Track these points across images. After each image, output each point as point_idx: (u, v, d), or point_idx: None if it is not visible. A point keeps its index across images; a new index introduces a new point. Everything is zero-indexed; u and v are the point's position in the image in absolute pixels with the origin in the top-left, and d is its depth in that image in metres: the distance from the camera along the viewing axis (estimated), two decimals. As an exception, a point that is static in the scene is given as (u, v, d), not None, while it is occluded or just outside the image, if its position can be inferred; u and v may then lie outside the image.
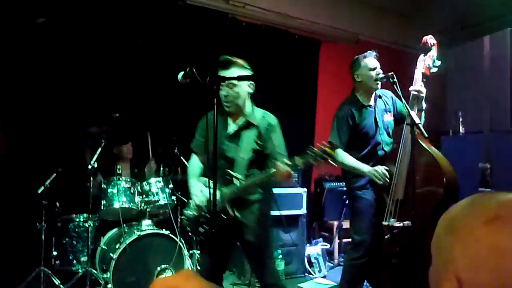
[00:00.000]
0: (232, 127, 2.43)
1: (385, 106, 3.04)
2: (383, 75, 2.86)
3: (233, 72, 2.28)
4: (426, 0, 5.52)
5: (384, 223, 2.64)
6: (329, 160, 2.04)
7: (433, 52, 2.75)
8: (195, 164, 2.53)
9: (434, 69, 2.75)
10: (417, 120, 2.48)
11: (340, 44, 5.45)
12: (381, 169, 2.76)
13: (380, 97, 3.06)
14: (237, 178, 2.28)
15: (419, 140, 2.58)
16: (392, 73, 2.76)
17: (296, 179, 4.20)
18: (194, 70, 1.91)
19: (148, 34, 4.32)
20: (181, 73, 2.01)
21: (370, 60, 2.95)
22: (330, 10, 5.33)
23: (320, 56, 5.31)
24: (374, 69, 2.92)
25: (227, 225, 2.28)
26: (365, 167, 2.85)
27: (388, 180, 2.74)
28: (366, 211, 2.90)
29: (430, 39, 2.77)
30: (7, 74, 3.82)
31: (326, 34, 5.31)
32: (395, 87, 2.69)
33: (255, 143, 2.35)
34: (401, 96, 2.69)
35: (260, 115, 2.43)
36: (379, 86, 2.94)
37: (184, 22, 4.32)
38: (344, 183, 3.18)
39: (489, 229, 0.59)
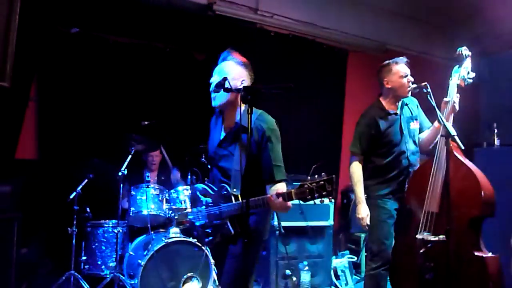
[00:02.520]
0: (222, 133, 2.19)
1: (411, 114, 2.96)
2: (416, 85, 2.80)
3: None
4: (456, 9, 5.40)
5: (418, 236, 2.54)
6: (328, 198, 1.81)
7: (468, 64, 2.69)
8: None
9: (469, 81, 2.69)
10: (453, 131, 2.42)
11: (368, 54, 5.40)
12: (365, 220, 2.81)
13: (406, 104, 2.98)
14: (234, 196, 2.01)
15: (455, 153, 2.51)
16: (426, 83, 2.70)
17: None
18: (227, 79, 1.92)
19: (177, 43, 4.40)
20: (214, 83, 2.03)
21: (402, 67, 2.87)
22: (357, 19, 5.29)
23: (348, 65, 5.27)
24: (406, 76, 2.84)
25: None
26: (361, 201, 2.85)
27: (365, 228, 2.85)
28: (385, 221, 2.83)
29: (464, 51, 2.71)
30: (43, 83, 3.96)
31: (353, 43, 5.27)
32: (429, 98, 2.64)
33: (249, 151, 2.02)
34: (435, 107, 2.63)
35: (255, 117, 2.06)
36: (409, 94, 2.87)
37: (213, 32, 4.38)
38: (365, 188, 3.00)
39: None
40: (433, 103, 2.64)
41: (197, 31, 4.37)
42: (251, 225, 2.00)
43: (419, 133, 2.96)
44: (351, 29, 5.20)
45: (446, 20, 5.56)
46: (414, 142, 2.93)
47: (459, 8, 5.18)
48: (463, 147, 2.41)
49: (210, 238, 2.13)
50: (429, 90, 2.66)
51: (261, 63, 4.53)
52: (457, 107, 2.64)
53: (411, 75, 2.89)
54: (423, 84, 2.71)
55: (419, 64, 4.88)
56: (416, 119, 2.96)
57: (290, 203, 1.90)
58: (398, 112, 2.92)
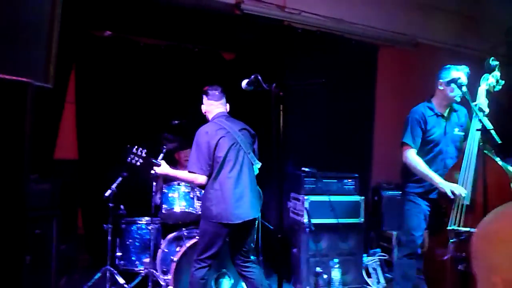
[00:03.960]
0: None
1: (458, 120, 3.03)
2: (449, 80, 2.77)
3: None
4: (490, 0, 5.21)
5: (449, 227, 2.64)
6: None
7: (496, 73, 2.78)
8: None
9: (499, 87, 2.79)
10: (489, 125, 2.36)
11: (398, 48, 5.29)
12: (459, 190, 2.67)
13: (455, 110, 3.04)
14: None
15: (485, 148, 2.61)
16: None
17: (353, 186, 4.10)
18: (259, 77, 1.94)
19: (206, 43, 4.47)
20: (245, 80, 2.05)
21: (459, 74, 2.85)
22: (386, 13, 5.18)
23: (378, 60, 5.18)
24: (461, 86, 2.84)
25: None
26: (439, 180, 2.79)
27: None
28: (415, 215, 2.96)
29: (492, 61, 2.80)
30: (80, 86, 4.12)
31: (383, 38, 5.16)
32: (465, 95, 2.70)
33: None
34: (470, 101, 2.61)
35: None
36: (458, 99, 2.92)
37: (241, 31, 4.41)
38: (401, 184, 3.21)
39: None
40: (469, 98, 2.63)
41: (225, 30, 4.41)
42: None
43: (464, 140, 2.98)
44: (380, 24, 5.09)
45: (478, 11, 5.35)
46: (456, 147, 2.99)
47: (492, -1, 4.99)
48: (499, 141, 2.36)
49: None
50: (464, 83, 2.67)
51: (290, 61, 4.56)
52: (485, 110, 2.68)
53: (444, 66, 2.93)
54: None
55: (451, 57, 4.75)
56: (461, 126, 3.02)
57: None
58: (446, 115, 2.99)
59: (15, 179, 1.33)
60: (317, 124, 4.60)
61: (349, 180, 4.04)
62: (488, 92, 2.76)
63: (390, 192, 4.55)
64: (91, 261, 4.03)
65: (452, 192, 2.66)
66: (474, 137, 2.64)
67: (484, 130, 2.36)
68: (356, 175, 4.10)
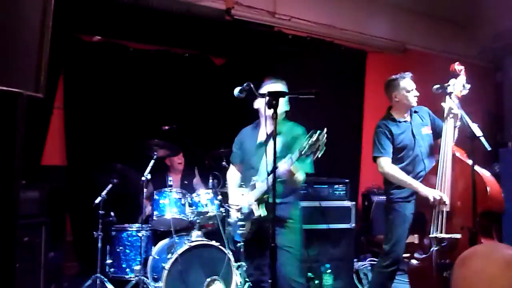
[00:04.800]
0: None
1: (422, 120, 3.09)
2: (439, 85, 2.80)
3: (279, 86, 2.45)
4: (476, 6, 5.30)
5: (431, 235, 2.64)
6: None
7: (462, 78, 2.82)
8: (233, 174, 2.92)
9: (465, 92, 2.81)
10: (478, 133, 2.39)
11: (387, 54, 5.35)
12: (439, 194, 2.65)
13: (415, 112, 3.12)
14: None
15: (457, 154, 2.66)
16: (449, 84, 2.72)
17: (344, 192, 4.11)
18: (251, 85, 1.94)
19: (196, 49, 4.46)
20: (238, 88, 2.05)
21: (408, 82, 3.03)
22: (375, 20, 5.24)
23: (367, 66, 5.23)
24: (411, 90, 3.01)
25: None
26: (418, 185, 2.81)
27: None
28: (399, 225, 2.96)
29: (457, 66, 2.85)
30: (68, 91, 4.07)
31: (372, 44, 5.23)
32: (451, 99, 2.69)
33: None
34: (459, 107, 2.63)
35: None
36: (415, 104, 3.03)
37: (231, 37, 4.42)
38: (384, 193, 3.22)
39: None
40: (457, 104, 2.64)
41: (216, 36, 4.42)
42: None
43: (437, 138, 3.00)
44: (369, 30, 5.16)
45: (466, 18, 5.45)
46: (429, 146, 3.04)
47: (480, 5, 5.08)
48: (489, 148, 2.40)
49: None
50: (452, 91, 2.68)
51: (280, 66, 4.58)
52: (458, 115, 2.69)
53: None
54: (446, 84, 2.74)
55: (439, 63, 4.83)
56: (427, 125, 3.08)
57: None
58: (408, 119, 3.07)
59: (5, 186, 1.31)
60: (307, 129, 4.61)
61: (340, 186, 4.06)
62: (455, 97, 2.74)
63: (380, 197, 4.58)
64: (79, 268, 3.97)
65: (433, 197, 2.65)
66: (447, 141, 2.67)
67: (473, 137, 2.38)
68: (347, 180, 4.12)
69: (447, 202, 2.61)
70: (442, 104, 2.76)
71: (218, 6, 4.33)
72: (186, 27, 4.30)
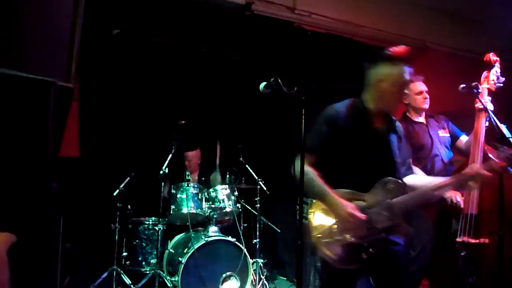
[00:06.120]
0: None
1: (438, 123, 3.10)
2: (465, 85, 2.73)
3: None
4: (497, 2, 5.19)
5: (458, 239, 2.52)
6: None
7: (496, 69, 2.74)
8: None
9: (500, 84, 2.74)
10: (507, 134, 2.33)
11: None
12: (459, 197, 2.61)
13: (431, 116, 3.13)
14: None
15: (490, 155, 2.50)
16: (477, 83, 2.65)
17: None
18: (279, 80, 1.91)
19: (214, 43, 4.43)
20: (264, 83, 2.01)
21: (417, 85, 3.03)
22: (395, 17, 5.15)
23: (386, 64, 5.15)
24: (421, 93, 3.02)
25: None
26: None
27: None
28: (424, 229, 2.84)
29: (492, 56, 2.76)
30: (85, 83, 4.07)
31: (392, 41, 5.12)
32: (479, 98, 2.59)
33: None
34: (487, 108, 2.56)
35: None
36: (427, 106, 3.04)
37: (250, 32, 4.38)
38: None
39: None
40: (484, 103, 2.58)
41: (235, 31, 4.38)
42: None
43: (454, 140, 3.04)
44: (389, 27, 5.06)
45: (487, 15, 5.33)
46: (447, 147, 3.03)
47: (500, 1, 4.97)
48: (518, 149, 2.32)
49: None
50: (480, 90, 2.60)
51: (299, 62, 4.53)
52: (490, 108, 2.62)
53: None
54: (474, 84, 2.65)
55: (460, 60, 4.73)
56: (444, 128, 3.08)
57: None
58: (424, 121, 3.08)
59: (39, 177, 1.31)
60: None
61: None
62: (489, 90, 2.70)
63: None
64: (96, 260, 3.99)
65: (451, 200, 2.59)
66: (479, 139, 2.55)
67: (501, 138, 2.31)
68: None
69: (472, 210, 2.49)
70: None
71: (238, 0, 4.29)
72: (205, 21, 4.27)
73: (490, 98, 2.69)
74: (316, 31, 4.66)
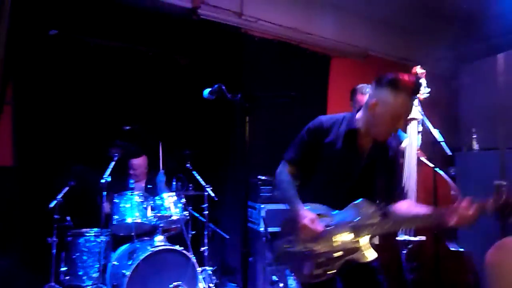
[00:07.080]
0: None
1: None
2: None
3: None
4: (437, 15, 5.53)
5: (398, 238, 2.67)
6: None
7: (423, 81, 2.93)
8: None
9: (426, 95, 2.90)
10: (440, 138, 2.48)
11: (350, 59, 5.47)
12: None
13: None
14: None
15: (422, 159, 2.72)
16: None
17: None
18: (222, 87, 1.89)
19: (161, 47, 4.33)
20: (208, 90, 1.99)
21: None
22: (340, 25, 5.34)
23: (330, 71, 5.32)
24: None
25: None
26: None
27: None
28: None
29: (419, 69, 2.96)
30: (19, 86, 3.80)
31: (336, 49, 5.32)
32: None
33: None
34: (423, 114, 2.71)
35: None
36: None
37: (197, 37, 4.33)
38: None
39: None
40: (419, 109, 2.73)
41: (181, 35, 4.31)
42: None
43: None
44: (333, 35, 5.24)
45: (426, 26, 5.67)
46: None
47: (440, 14, 5.31)
48: (450, 153, 2.48)
49: None
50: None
51: (245, 68, 4.54)
52: (419, 120, 2.78)
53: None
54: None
55: (397, 68, 4.96)
56: None
57: None
58: None
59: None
60: (271, 132, 4.60)
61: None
62: (419, 100, 2.84)
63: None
64: (32, 277, 3.72)
65: None
66: (412, 145, 2.71)
67: (435, 142, 2.46)
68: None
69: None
70: None
71: (185, 4, 4.23)
72: (151, 24, 4.16)
73: (419, 106, 2.85)
74: (263, 37, 4.72)
